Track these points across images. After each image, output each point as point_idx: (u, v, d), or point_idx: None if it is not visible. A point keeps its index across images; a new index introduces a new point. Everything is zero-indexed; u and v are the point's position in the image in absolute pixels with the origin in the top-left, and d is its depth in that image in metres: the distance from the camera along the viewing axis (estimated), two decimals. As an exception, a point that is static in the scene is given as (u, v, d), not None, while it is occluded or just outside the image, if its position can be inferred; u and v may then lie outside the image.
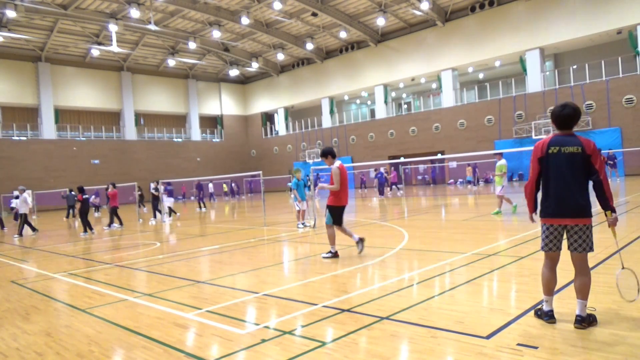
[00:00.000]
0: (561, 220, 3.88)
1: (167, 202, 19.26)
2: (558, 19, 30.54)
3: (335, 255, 7.52)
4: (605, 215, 3.89)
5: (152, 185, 19.35)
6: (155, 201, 19.00)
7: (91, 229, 15.23)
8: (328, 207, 7.54)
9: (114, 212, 16.78)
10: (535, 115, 31.50)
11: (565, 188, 3.84)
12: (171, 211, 19.44)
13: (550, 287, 3.98)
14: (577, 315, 3.78)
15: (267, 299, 5.33)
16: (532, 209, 4.16)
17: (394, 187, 28.72)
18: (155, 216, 18.97)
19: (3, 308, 5.75)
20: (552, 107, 30.80)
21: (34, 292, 6.56)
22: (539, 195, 4.08)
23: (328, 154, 7.56)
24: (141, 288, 6.48)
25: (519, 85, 34.31)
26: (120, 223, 16.85)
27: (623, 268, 4.03)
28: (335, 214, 7.51)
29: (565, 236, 3.95)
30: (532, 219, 4.24)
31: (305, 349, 3.64)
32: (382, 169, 27.02)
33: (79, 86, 41.69)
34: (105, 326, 4.66)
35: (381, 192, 25.43)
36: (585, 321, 3.74)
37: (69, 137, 41.15)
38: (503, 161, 12.61)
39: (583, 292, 3.82)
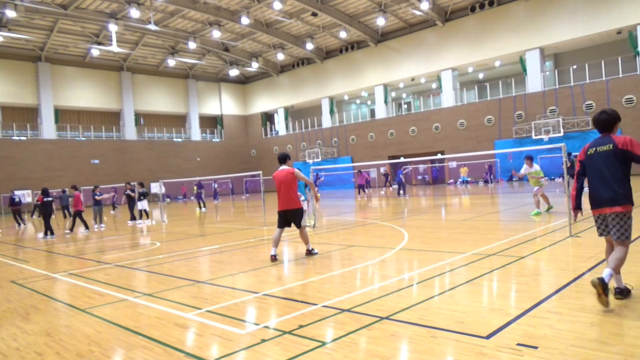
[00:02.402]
0: (600, 211, 4.42)
1: (140, 205, 18.72)
2: (558, 19, 30.54)
3: (273, 258, 7.68)
4: None
5: (152, 187, 19.10)
6: (131, 203, 18.64)
7: (52, 233, 14.74)
8: None
9: (78, 216, 15.92)
10: (535, 115, 31.50)
11: (602, 182, 4.36)
12: (142, 214, 18.88)
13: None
14: (599, 278, 4.03)
15: (267, 299, 5.33)
16: (574, 206, 4.73)
17: (362, 190, 27.56)
18: (132, 219, 18.55)
19: (3, 308, 5.75)
20: (552, 108, 30.89)
21: (34, 292, 6.56)
22: (587, 191, 4.62)
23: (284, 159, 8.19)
24: (141, 288, 6.48)
25: (519, 85, 34.31)
26: (86, 227, 15.90)
27: None
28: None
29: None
30: (575, 217, 4.80)
31: (305, 349, 3.64)
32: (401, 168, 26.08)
33: (79, 86, 41.69)
34: (105, 326, 4.66)
35: (403, 192, 24.22)
36: (605, 288, 4.01)
37: (69, 137, 41.16)
38: (536, 167, 12.13)
39: (612, 263, 4.19)
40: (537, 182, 12.15)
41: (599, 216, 4.48)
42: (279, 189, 7.96)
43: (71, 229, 16.06)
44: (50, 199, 15.27)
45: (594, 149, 4.45)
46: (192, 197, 39.13)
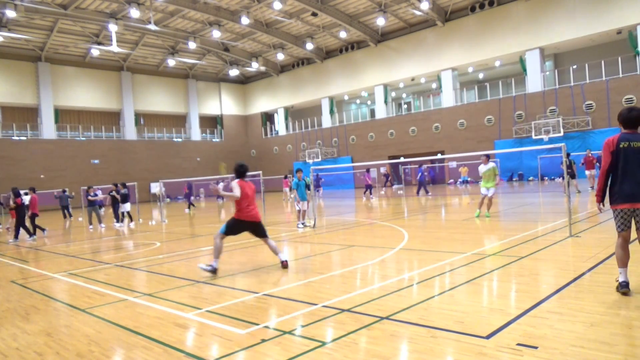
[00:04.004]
0: (631, 205, 4.42)
1: (124, 207, 18.13)
2: (558, 19, 30.54)
3: (213, 271, 6.75)
4: None
5: (139, 188, 18.58)
6: (116, 205, 18.25)
7: (30, 234, 14.23)
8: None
9: (31, 220, 15.01)
10: (535, 115, 31.50)
11: (634, 176, 4.39)
12: (125, 216, 18.38)
13: (623, 261, 4.50)
14: (622, 285, 4.41)
15: (267, 299, 5.33)
16: (600, 199, 4.70)
17: (368, 190, 26.86)
18: (117, 220, 18.12)
19: (3, 308, 5.74)
20: (552, 108, 30.89)
21: (34, 292, 6.56)
22: (609, 184, 4.62)
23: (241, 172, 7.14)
24: (141, 288, 6.48)
25: (519, 85, 34.31)
26: (34, 233, 14.74)
27: None
28: (229, 225, 6.99)
29: (634, 219, 4.51)
30: (599, 209, 4.75)
31: (305, 349, 3.65)
32: (423, 167, 26.08)
33: (79, 86, 41.69)
34: (105, 326, 4.66)
35: (420, 191, 24.41)
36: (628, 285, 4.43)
37: (69, 137, 41.16)
38: (491, 164, 11.93)
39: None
40: (492, 183, 11.75)
41: (626, 211, 4.48)
42: (250, 200, 6.97)
43: (34, 232, 14.98)
44: (27, 203, 14.82)
45: (627, 142, 4.42)
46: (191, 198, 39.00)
